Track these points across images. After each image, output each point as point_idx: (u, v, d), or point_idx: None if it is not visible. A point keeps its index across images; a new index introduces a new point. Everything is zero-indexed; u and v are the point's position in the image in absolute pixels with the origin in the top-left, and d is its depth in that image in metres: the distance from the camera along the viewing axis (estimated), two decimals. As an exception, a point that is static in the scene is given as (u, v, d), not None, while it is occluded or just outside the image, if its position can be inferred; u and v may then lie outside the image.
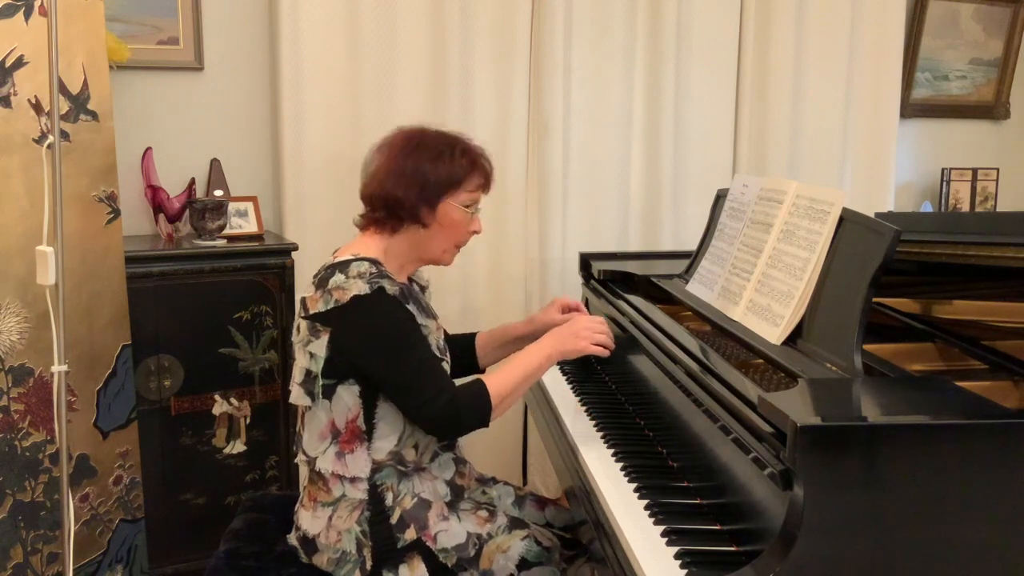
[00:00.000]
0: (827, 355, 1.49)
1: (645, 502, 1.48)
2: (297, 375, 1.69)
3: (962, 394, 1.32)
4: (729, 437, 1.38)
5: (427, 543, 1.64)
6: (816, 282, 1.60)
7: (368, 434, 1.66)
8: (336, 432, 1.67)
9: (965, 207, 3.57)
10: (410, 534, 1.64)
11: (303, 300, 1.67)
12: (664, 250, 2.94)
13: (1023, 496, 1.18)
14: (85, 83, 2.01)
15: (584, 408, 1.98)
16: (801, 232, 1.68)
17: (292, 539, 1.75)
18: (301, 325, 1.67)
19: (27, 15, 1.90)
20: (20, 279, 1.94)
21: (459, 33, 2.74)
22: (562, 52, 2.84)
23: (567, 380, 2.18)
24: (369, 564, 1.63)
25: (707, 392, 1.50)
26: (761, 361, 1.68)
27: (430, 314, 1.76)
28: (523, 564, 1.66)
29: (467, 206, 1.74)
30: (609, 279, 2.33)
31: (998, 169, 3.61)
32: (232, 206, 2.54)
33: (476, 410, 1.64)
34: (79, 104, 2.01)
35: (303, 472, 1.75)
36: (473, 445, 2.63)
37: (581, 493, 1.66)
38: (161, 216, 2.52)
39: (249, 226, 2.58)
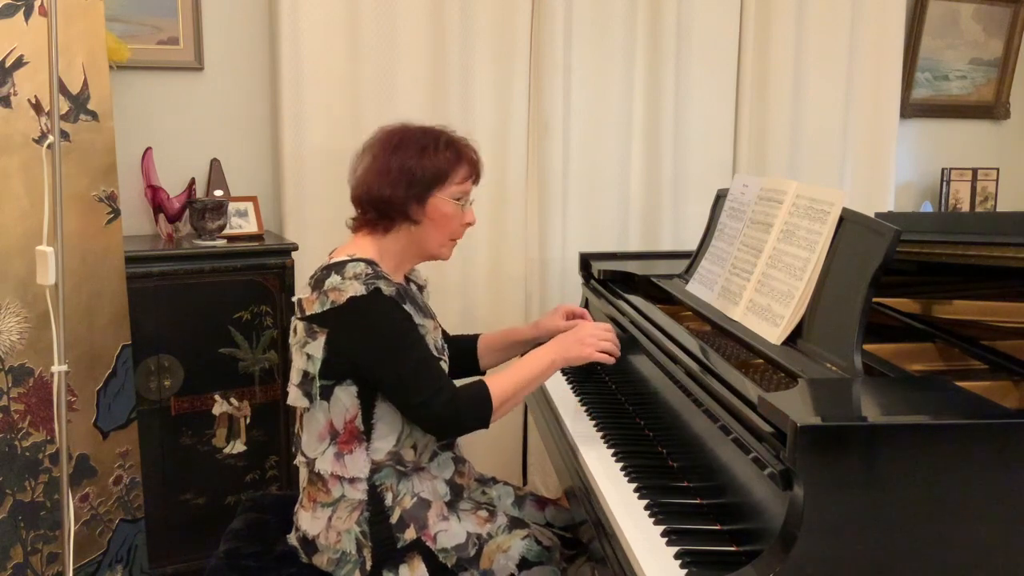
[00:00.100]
0: (827, 355, 1.49)
1: (645, 502, 1.48)
2: (294, 377, 1.69)
3: (962, 394, 1.32)
4: (729, 437, 1.38)
5: (427, 543, 1.64)
6: (816, 282, 1.60)
7: (366, 434, 1.66)
8: (335, 433, 1.67)
9: (965, 207, 3.57)
10: (410, 534, 1.64)
11: (299, 301, 1.67)
12: (664, 250, 2.94)
13: (1023, 496, 1.18)
14: (85, 83, 2.01)
15: (584, 408, 1.98)
16: (801, 232, 1.68)
17: (292, 539, 1.75)
18: (298, 327, 1.67)
19: (27, 15, 1.90)
20: (20, 279, 1.94)
21: (459, 33, 2.74)
22: (562, 52, 2.84)
23: (567, 380, 2.18)
24: (369, 564, 1.63)
25: (707, 392, 1.50)
26: (761, 361, 1.68)
27: (427, 313, 1.76)
28: (523, 564, 1.66)
29: (457, 199, 1.73)
30: (609, 279, 2.33)
31: (998, 169, 3.61)
32: (232, 206, 2.54)
33: (476, 410, 1.64)
34: (79, 104, 2.01)
35: (303, 473, 1.75)
36: (473, 445, 2.63)
37: (581, 493, 1.66)
38: (161, 216, 2.52)
39: (249, 226, 2.58)
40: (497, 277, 2.90)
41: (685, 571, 1.27)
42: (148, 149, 2.53)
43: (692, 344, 1.69)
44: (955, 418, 1.21)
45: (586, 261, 2.49)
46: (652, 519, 1.43)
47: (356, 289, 1.58)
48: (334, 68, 2.64)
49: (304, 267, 2.45)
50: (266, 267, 2.40)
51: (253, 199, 2.63)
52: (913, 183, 3.61)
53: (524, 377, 1.70)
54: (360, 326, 1.60)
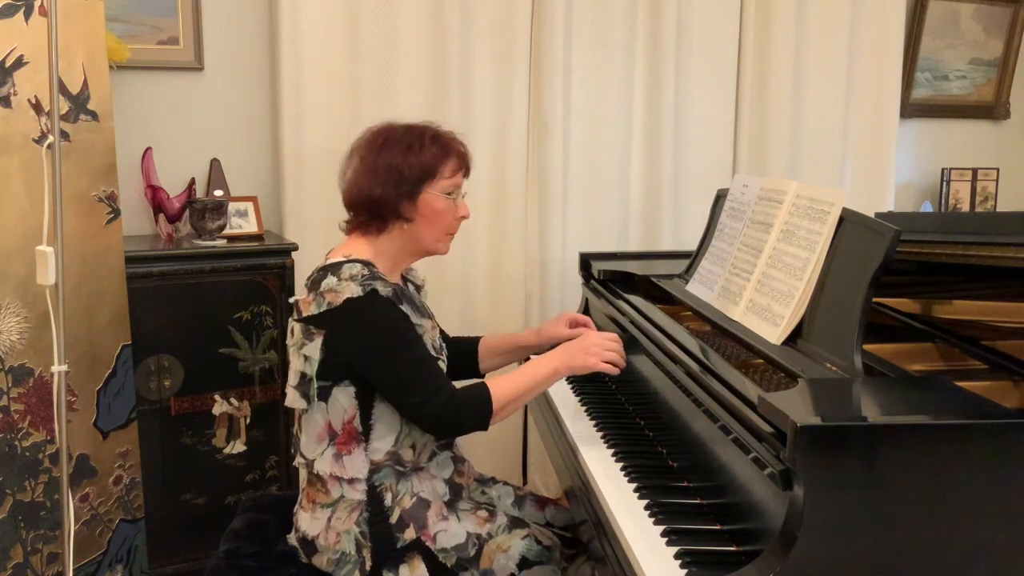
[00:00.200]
0: (827, 355, 1.49)
1: (645, 502, 1.48)
2: (292, 378, 1.69)
3: (962, 394, 1.32)
4: (729, 437, 1.38)
5: (426, 543, 1.64)
6: (816, 282, 1.60)
7: (365, 435, 1.66)
8: (333, 434, 1.66)
9: (965, 207, 3.57)
10: (409, 534, 1.64)
11: (296, 303, 1.67)
12: (664, 250, 2.94)
13: (1023, 496, 1.18)
14: (85, 83, 2.01)
15: (584, 408, 1.99)
16: (801, 232, 1.68)
17: (292, 539, 1.75)
18: (295, 328, 1.67)
19: (27, 15, 1.90)
20: (20, 279, 1.93)
21: (459, 33, 2.74)
22: (562, 52, 2.84)
23: (567, 380, 2.18)
24: (369, 564, 1.63)
25: (707, 392, 1.50)
26: (761, 361, 1.68)
27: (425, 313, 1.76)
28: (524, 563, 1.66)
29: (449, 193, 1.72)
30: (609, 279, 2.33)
31: (998, 169, 3.61)
32: (232, 206, 2.54)
33: (476, 410, 1.64)
34: (79, 104, 2.01)
35: (302, 474, 1.75)
36: (473, 445, 2.63)
37: (581, 493, 1.66)
38: (161, 216, 2.52)
39: (249, 226, 2.58)
40: (497, 277, 2.90)
41: (685, 571, 1.27)
42: (148, 149, 2.53)
43: (692, 344, 1.69)
44: (955, 418, 1.21)
45: (586, 261, 2.49)
46: (652, 519, 1.43)
47: (352, 290, 1.58)
48: (334, 68, 2.64)
49: (304, 267, 2.45)
50: (266, 267, 2.40)
51: (253, 199, 2.63)
52: (913, 183, 3.61)
53: (527, 383, 1.70)
54: (357, 327, 1.60)
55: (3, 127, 1.90)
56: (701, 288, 2.00)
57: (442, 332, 1.90)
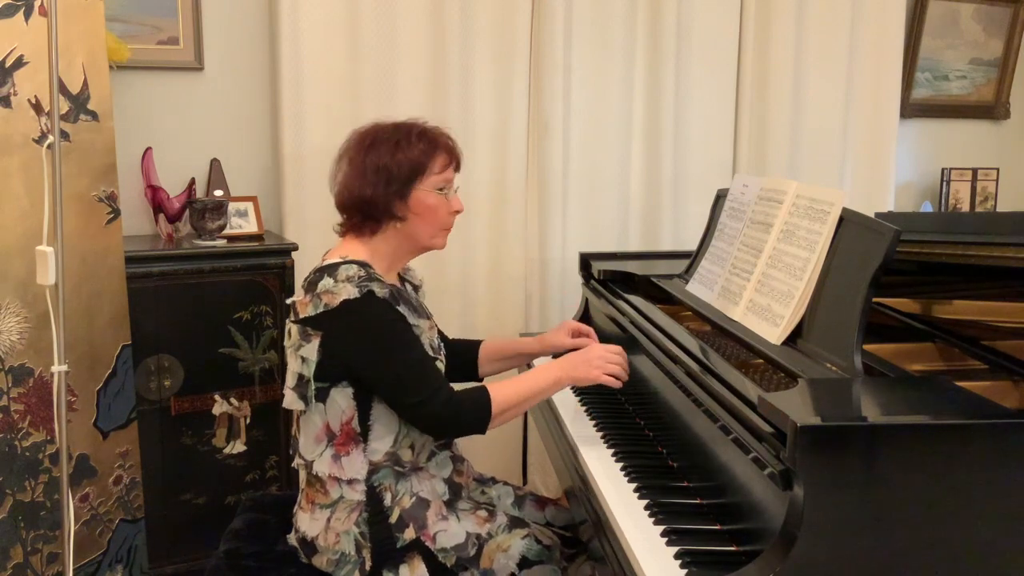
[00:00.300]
0: (827, 355, 1.49)
1: (645, 502, 1.48)
2: (289, 380, 1.68)
3: (962, 394, 1.32)
4: (729, 437, 1.38)
5: (426, 543, 1.64)
6: (816, 282, 1.60)
7: (363, 436, 1.66)
8: (331, 435, 1.66)
9: (965, 207, 3.57)
10: (409, 534, 1.64)
11: (292, 304, 1.66)
12: (664, 250, 2.94)
13: (1023, 496, 1.18)
14: (85, 83, 2.01)
15: (584, 408, 1.98)
16: (801, 232, 1.68)
17: (292, 539, 1.75)
18: (292, 329, 1.66)
19: (27, 15, 1.90)
20: (20, 279, 1.93)
21: (459, 33, 2.74)
22: (562, 52, 2.84)
23: (567, 380, 2.18)
24: (369, 564, 1.63)
25: (707, 392, 1.50)
26: (761, 361, 1.68)
27: (422, 314, 1.76)
28: (524, 563, 1.66)
29: (440, 188, 1.71)
30: (609, 279, 2.33)
31: (998, 169, 3.61)
32: (232, 206, 2.54)
33: (476, 412, 1.64)
34: (79, 104, 2.01)
35: (301, 475, 1.75)
36: (473, 445, 2.62)
37: (581, 493, 1.66)
38: (161, 216, 2.52)
39: (249, 226, 2.58)
40: (497, 277, 2.90)
41: (685, 571, 1.27)
42: (148, 149, 2.53)
43: (692, 344, 1.69)
44: (955, 418, 1.21)
45: (586, 261, 2.49)
46: (652, 519, 1.43)
47: (349, 292, 1.58)
48: (334, 68, 2.64)
49: (304, 267, 2.45)
50: (266, 267, 2.40)
51: (253, 199, 2.63)
52: (913, 183, 3.61)
53: (528, 390, 1.70)
54: (354, 329, 1.60)
55: (3, 127, 1.90)
56: (701, 288, 2.00)
57: (441, 333, 1.90)
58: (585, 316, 2.46)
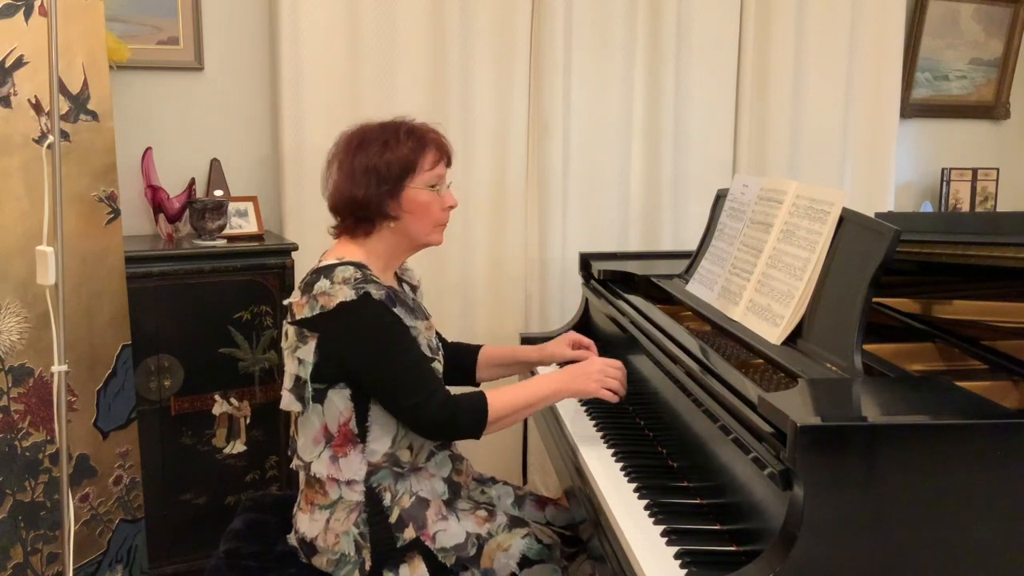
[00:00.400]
0: (827, 355, 1.49)
1: (645, 502, 1.48)
2: (287, 381, 1.68)
3: (962, 394, 1.32)
4: (729, 437, 1.38)
5: (426, 543, 1.64)
6: (816, 282, 1.60)
7: (361, 437, 1.65)
8: (329, 436, 1.66)
9: (965, 207, 3.57)
10: (409, 533, 1.64)
11: (289, 305, 1.66)
12: (664, 250, 2.94)
13: (1023, 496, 1.18)
14: (85, 83, 2.01)
15: (584, 408, 1.99)
16: (801, 232, 1.68)
17: (292, 539, 1.75)
18: (289, 331, 1.66)
19: (27, 15, 1.90)
20: (20, 279, 1.93)
21: (459, 33, 2.74)
22: (562, 52, 2.84)
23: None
24: (369, 565, 1.63)
25: (707, 392, 1.50)
26: (761, 361, 1.68)
27: (419, 315, 1.75)
28: (524, 562, 1.66)
29: (432, 185, 1.70)
30: (609, 279, 2.33)
31: (998, 169, 3.61)
32: (232, 206, 2.54)
33: (471, 417, 1.65)
34: (79, 104, 2.01)
35: (301, 476, 1.75)
36: (473, 445, 2.60)
37: (581, 493, 1.66)
38: (161, 216, 2.52)
39: (249, 226, 2.58)
40: (497, 277, 2.90)
41: (685, 571, 1.27)
42: (148, 149, 2.53)
43: (692, 344, 1.69)
44: (955, 418, 1.21)
45: (586, 261, 2.49)
46: (652, 519, 1.43)
47: (346, 294, 1.58)
48: (334, 68, 2.64)
49: (304, 267, 2.43)
50: (266, 267, 2.40)
51: (253, 199, 2.63)
52: (913, 183, 3.61)
53: (525, 399, 1.70)
54: (350, 331, 1.60)
55: (3, 127, 1.90)
56: (701, 288, 2.00)
57: (439, 335, 1.90)
58: (585, 316, 2.46)
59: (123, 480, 2.19)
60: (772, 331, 1.64)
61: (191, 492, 2.38)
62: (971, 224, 2.15)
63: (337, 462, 1.66)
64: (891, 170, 3.34)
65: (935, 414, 1.24)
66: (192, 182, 2.59)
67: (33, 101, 1.93)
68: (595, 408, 1.96)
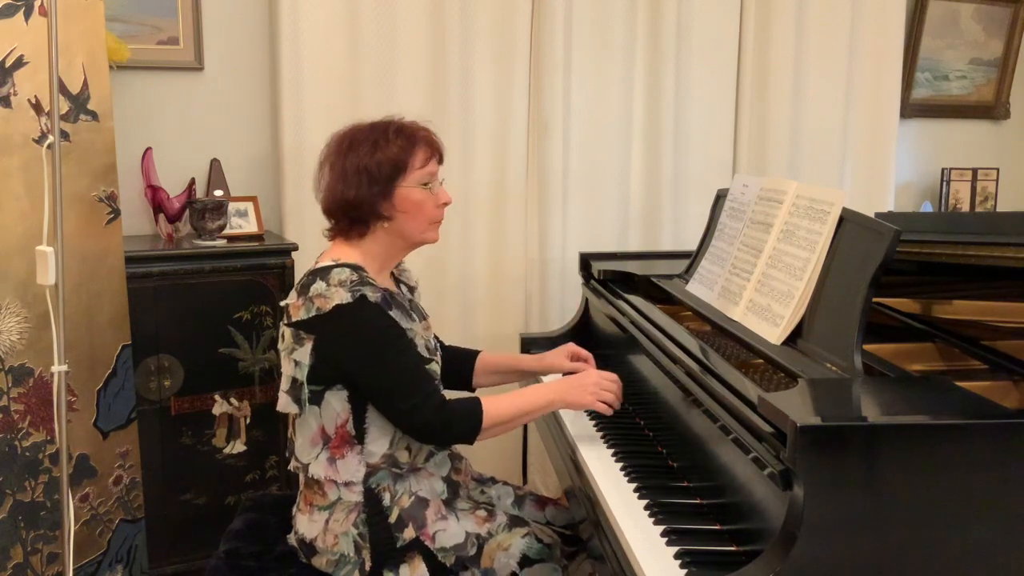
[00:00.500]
0: (827, 355, 1.49)
1: (645, 502, 1.48)
2: (284, 383, 1.68)
3: (962, 394, 1.32)
4: (729, 437, 1.38)
5: (425, 542, 1.64)
6: (816, 282, 1.60)
7: (359, 438, 1.65)
8: (326, 438, 1.66)
9: (965, 207, 3.57)
10: (408, 533, 1.64)
11: (286, 307, 1.66)
12: (664, 250, 2.94)
13: (1023, 496, 1.18)
14: (85, 83, 2.01)
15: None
16: (801, 232, 1.68)
17: (292, 539, 1.75)
18: (285, 333, 1.66)
19: (27, 15, 1.90)
20: (20, 279, 1.93)
21: (459, 33, 2.74)
22: (562, 52, 2.84)
23: (567, 380, 2.18)
24: (368, 565, 1.63)
25: (707, 392, 1.50)
26: (761, 361, 1.68)
27: (416, 316, 1.75)
28: (525, 561, 1.66)
29: (425, 183, 1.70)
30: (609, 279, 2.33)
31: (998, 169, 3.61)
32: (232, 206, 2.54)
33: (466, 422, 1.65)
34: (79, 104, 2.01)
35: (300, 476, 1.75)
36: (473, 444, 2.63)
37: (581, 493, 1.66)
38: (161, 216, 2.52)
39: (249, 226, 2.58)
40: (497, 277, 2.90)
41: (685, 571, 1.27)
42: (148, 149, 2.53)
43: (692, 344, 1.69)
44: (955, 418, 1.21)
45: (586, 261, 2.49)
46: (652, 519, 1.43)
47: (342, 296, 1.58)
48: (334, 68, 2.64)
49: (304, 267, 2.43)
50: (266, 267, 2.40)
51: (253, 199, 2.63)
52: (913, 183, 3.61)
53: (520, 408, 1.70)
54: (346, 333, 1.59)
55: (3, 127, 1.90)
56: (701, 288, 2.00)
57: (437, 339, 1.89)
58: (585, 316, 2.46)
59: (123, 480, 2.19)
60: (772, 331, 1.64)
61: (191, 492, 2.38)
62: (971, 224, 2.15)
63: (334, 464, 1.66)
64: (891, 170, 3.34)
65: (935, 414, 1.24)
66: (192, 182, 2.59)
67: (33, 101, 1.93)
68: (595, 408, 1.96)
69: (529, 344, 2.45)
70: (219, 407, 2.38)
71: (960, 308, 1.99)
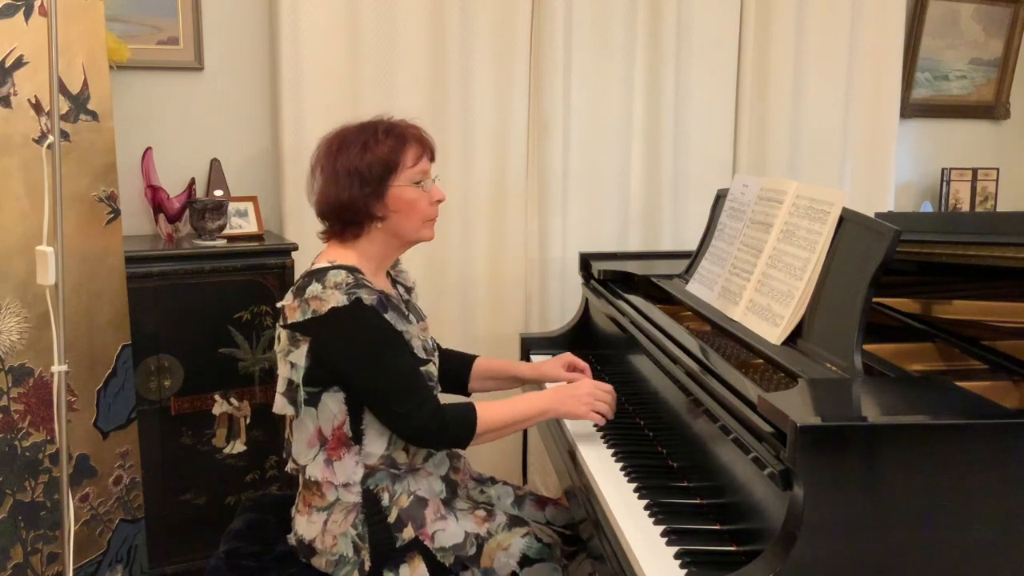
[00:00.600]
0: (827, 355, 1.49)
1: (645, 502, 1.48)
2: (280, 385, 1.68)
3: (962, 394, 1.32)
4: (729, 437, 1.38)
5: (425, 542, 1.64)
6: (816, 282, 1.60)
7: (356, 440, 1.65)
8: (323, 440, 1.66)
9: (965, 207, 3.57)
10: (408, 533, 1.64)
11: (282, 309, 1.66)
12: (664, 250, 2.94)
13: (1023, 496, 1.18)
14: (85, 83, 2.01)
15: (584, 408, 1.98)
16: (801, 232, 1.68)
17: (292, 539, 1.75)
18: (281, 334, 1.66)
19: (27, 15, 1.90)
20: (20, 279, 1.93)
21: (459, 33, 2.74)
22: (562, 52, 2.84)
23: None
24: (368, 565, 1.63)
25: (707, 392, 1.50)
26: (761, 361, 1.68)
27: (412, 318, 1.75)
28: (525, 561, 1.66)
29: (417, 181, 1.69)
30: (609, 279, 2.33)
31: (998, 169, 3.61)
32: (232, 206, 2.54)
33: (461, 428, 1.65)
34: (79, 104, 2.01)
35: (300, 477, 1.75)
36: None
37: (581, 493, 1.66)
38: (161, 216, 2.52)
39: (249, 226, 2.58)
40: (497, 277, 2.90)
41: (685, 571, 1.27)
42: (148, 149, 2.53)
43: (692, 344, 1.69)
44: (955, 418, 1.21)
45: (586, 261, 2.49)
46: (652, 519, 1.43)
47: (337, 299, 1.57)
48: (334, 68, 2.64)
49: (304, 267, 2.44)
50: (266, 267, 2.40)
51: (253, 199, 2.63)
52: (913, 183, 3.61)
53: (514, 416, 1.71)
54: (342, 336, 1.59)
55: (3, 127, 1.90)
56: (701, 288, 2.00)
57: (434, 341, 1.89)
58: (585, 316, 2.46)
59: (123, 480, 2.19)
60: (772, 331, 1.64)
61: (191, 492, 2.38)
62: (971, 224, 2.15)
63: (331, 465, 1.65)
64: (891, 170, 3.34)
65: (935, 414, 1.24)
66: (192, 182, 2.59)
67: (33, 101, 1.93)
68: (595, 408, 1.96)
69: (529, 344, 2.45)
70: (219, 407, 2.38)
71: (960, 308, 1.99)
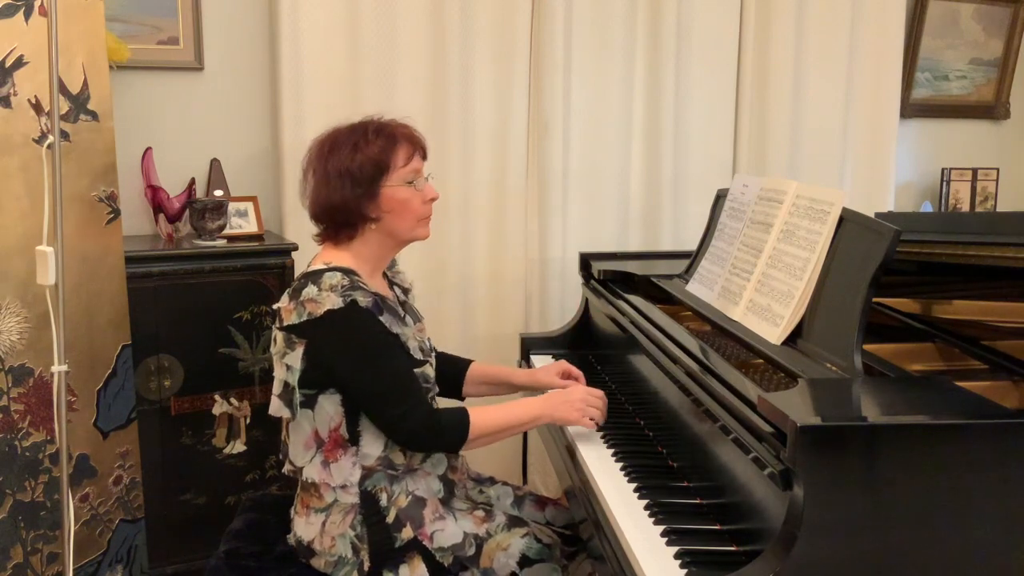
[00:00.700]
0: (827, 355, 1.49)
1: (645, 502, 1.48)
2: (276, 387, 1.68)
3: (962, 394, 1.32)
4: (729, 437, 1.38)
5: (424, 542, 1.64)
6: (816, 282, 1.60)
7: (353, 441, 1.65)
8: (320, 441, 1.66)
9: (965, 207, 3.57)
10: (407, 533, 1.64)
11: (278, 311, 1.66)
12: (664, 250, 2.94)
13: (1023, 496, 1.18)
14: (85, 83, 2.01)
15: (584, 408, 1.98)
16: (801, 232, 1.68)
17: (291, 540, 1.74)
18: (277, 336, 1.66)
19: (27, 15, 1.90)
20: (20, 279, 1.93)
21: (459, 33, 2.74)
22: (562, 52, 2.84)
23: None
24: (367, 566, 1.63)
25: (707, 392, 1.50)
26: (761, 361, 1.68)
27: (409, 320, 1.75)
28: (524, 561, 1.66)
29: (410, 181, 1.69)
30: (609, 279, 2.33)
31: (998, 169, 3.61)
32: (232, 206, 2.54)
33: (453, 433, 1.66)
34: (79, 104, 2.01)
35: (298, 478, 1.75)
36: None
37: (581, 493, 1.66)
38: (161, 216, 2.52)
39: (249, 226, 2.58)
40: (497, 277, 2.90)
41: (685, 571, 1.27)
42: (148, 149, 2.53)
43: (692, 344, 1.69)
44: (955, 418, 1.21)
45: (586, 261, 2.49)
46: (652, 519, 1.43)
47: (333, 302, 1.57)
48: (334, 68, 2.64)
49: (304, 267, 2.45)
50: (266, 267, 2.40)
51: (253, 199, 2.63)
52: (913, 183, 3.61)
53: (507, 422, 1.71)
54: (338, 339, 1.59)
55: (3, 127, 1.90)
56: (701, 288, 2.00)
57: (433, 348, 1.89)
58: (585, 316, 2.46)
59: (123, 480, 2.19)
60: (772, 331, 1.64)
61: (191, 492, 2.38)
62: (971, 224, 2.15)
63: (328, 467, 1.65)
64: (891, 170, 3.34)
65: (935, 414, 1.24)
66: (192, 182, 2.59)
67: (33, 101, 1.93)
68: (595, 408, 1.96)
69: (529, 344, 2.45)
70: (219, 407, 2.38)
71: (960, 308, 1.99)
